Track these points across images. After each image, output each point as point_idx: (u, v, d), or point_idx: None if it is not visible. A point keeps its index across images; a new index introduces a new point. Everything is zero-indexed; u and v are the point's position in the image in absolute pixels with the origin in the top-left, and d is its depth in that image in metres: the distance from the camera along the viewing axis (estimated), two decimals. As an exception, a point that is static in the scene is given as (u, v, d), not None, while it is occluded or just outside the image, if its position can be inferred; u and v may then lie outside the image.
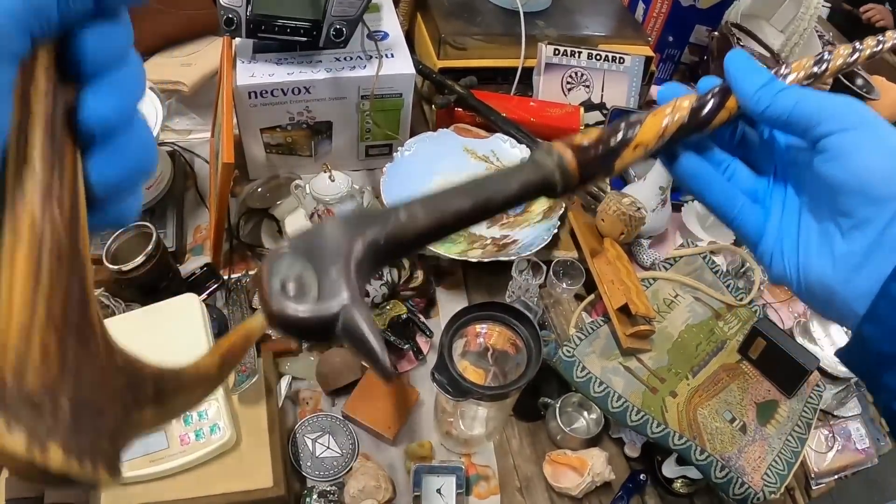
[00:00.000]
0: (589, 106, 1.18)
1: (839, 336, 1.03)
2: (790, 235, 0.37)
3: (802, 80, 0.37)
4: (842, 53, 0.38)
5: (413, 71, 0.99)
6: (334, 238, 0.23)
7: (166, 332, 0.77)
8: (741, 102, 0.35)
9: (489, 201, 0.27)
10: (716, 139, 0.39)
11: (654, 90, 1.36)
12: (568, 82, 1.17)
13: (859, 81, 1.12)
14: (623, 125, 0.35)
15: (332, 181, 0.92)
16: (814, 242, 0.36)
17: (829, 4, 1.27)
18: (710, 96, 0.36)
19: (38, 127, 0.21)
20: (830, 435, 0.94)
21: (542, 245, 0.91)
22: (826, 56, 0.38)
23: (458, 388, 0.65)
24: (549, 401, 0.84)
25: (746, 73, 0.35)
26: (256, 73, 0.94)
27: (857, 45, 0.39)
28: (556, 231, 0.94)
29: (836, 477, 0.92)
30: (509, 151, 1.05)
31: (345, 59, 0.98)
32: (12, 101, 0.21)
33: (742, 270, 1.02)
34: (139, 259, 0.81)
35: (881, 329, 0.33)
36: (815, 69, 0.37)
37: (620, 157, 0.34)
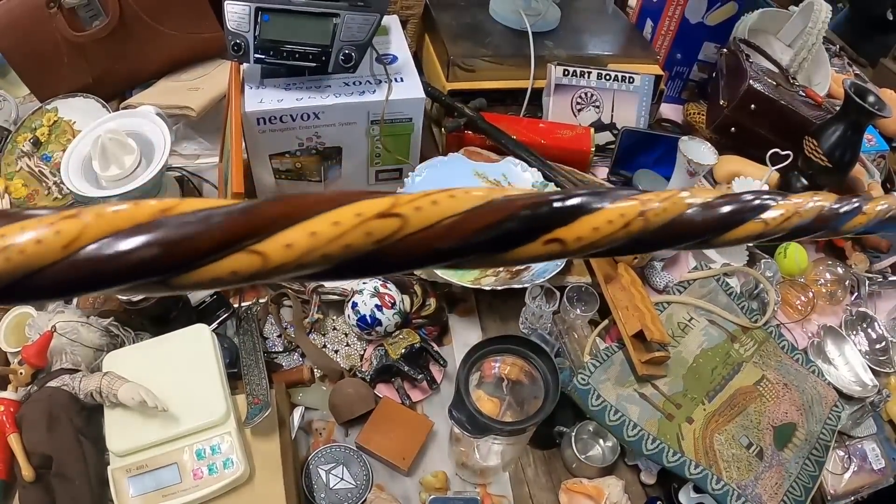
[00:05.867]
0: (599, 126, 1.17)
1: (853, 356, 1.02)
2: None
3: None
4: None
5: (423, 95, 0.98)
6: None
7: (177, 363, 0.76)
8: None
9: None
10: None
11: (664, 109, 1.35)
12: (578, 103, 1.17)
13: (871, 98, 1.11)
14: None
15: (343, 208, 0.91)
16: None
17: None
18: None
19: None
20: (846, 456, 0.93)
21: (556, 271, 0.90)
22: None
23: (476, 426, 0.64)
24: (565, 429, 0.84)
25: None
26: (265, 98, 0.94)
27: None
28: (568, 256, 0.93)
29: (852, 499, 0.91)
30: (520, 175, 1.04)
31: (354, 83, 0.97)
32: None
33: (756, 292, 1.01)
34: (149, 290, 0.80)
35: None
36: None
37: None
